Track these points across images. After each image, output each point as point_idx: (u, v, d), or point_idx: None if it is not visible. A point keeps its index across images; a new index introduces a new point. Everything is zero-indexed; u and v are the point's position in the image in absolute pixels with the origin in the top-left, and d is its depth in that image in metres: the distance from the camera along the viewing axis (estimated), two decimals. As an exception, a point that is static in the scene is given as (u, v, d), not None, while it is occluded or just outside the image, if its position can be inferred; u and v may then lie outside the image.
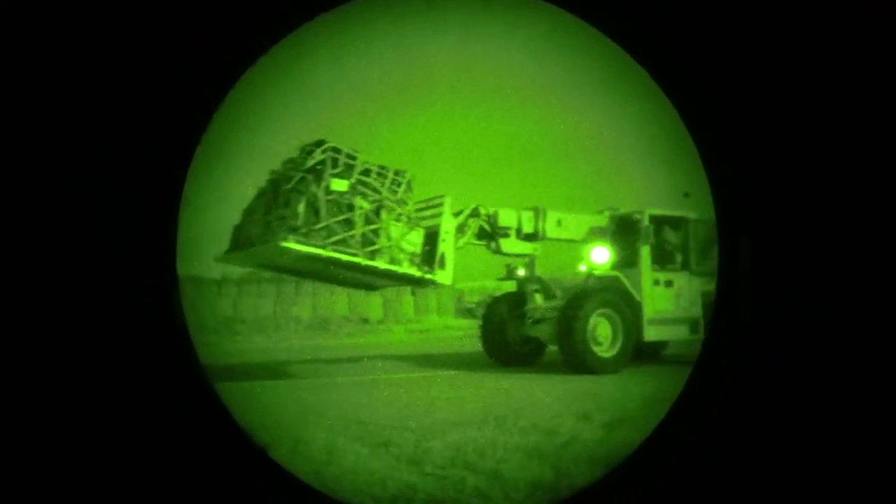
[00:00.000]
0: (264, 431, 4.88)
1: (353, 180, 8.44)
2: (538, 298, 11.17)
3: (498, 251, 10.53)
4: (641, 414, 5.59)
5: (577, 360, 9.69)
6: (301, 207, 7.97)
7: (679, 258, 11.03)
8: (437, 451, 4.65)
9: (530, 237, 10.71)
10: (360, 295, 27.30)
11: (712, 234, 9.95)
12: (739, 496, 2.55)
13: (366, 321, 26.07)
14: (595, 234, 11.10)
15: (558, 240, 11.00)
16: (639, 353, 10.45)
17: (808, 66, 2.52)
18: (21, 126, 2.45)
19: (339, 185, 8.30)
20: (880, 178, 2.49)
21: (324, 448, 4.76)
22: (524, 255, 11.01)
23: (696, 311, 10.59)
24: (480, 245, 10.48)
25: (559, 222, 10.84)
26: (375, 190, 8.64)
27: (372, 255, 8.44)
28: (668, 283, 10.69)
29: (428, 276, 9.04)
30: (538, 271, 11.48)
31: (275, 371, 11.33)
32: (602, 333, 9.88)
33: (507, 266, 11.61)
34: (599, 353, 9.80)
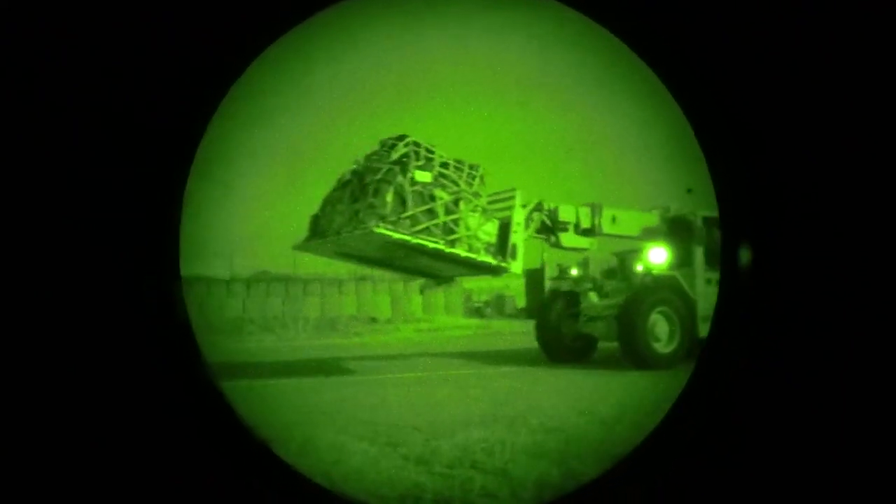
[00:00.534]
0: (272, 431, 4.90)
1: (434, 172, 9.02)
2: (593, 297, 11.65)
3: (557, 245, 11.02)
4: (650, 412, 5.58)
5: (637, 356, 10.08)
6: (389, 197, 8.48)
7: None
8: (445, 450, 4.65)
9: (587, 232, 11.10)
10: (368, 294, 27.37)
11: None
12: (741, 494, 2.54)
13: (374, 320, 26.12)
14: (648, 233, 11.51)
15: (613, 236, 11.40)
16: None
17: (815, 64, 2.50)
18: (20, 126, 2.46)
19: (423, 176, 8.86)
20: (887, 179, 2.47)
21: (332, 448, 4.78)
22: (581, 249, 11.37)
23: None
24: (540, 238, 10.94)
25: (614, 219, 11.22)
26: (454, 182, 9.22)
27: (452, 244, 8.98)
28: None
29: (503, 264, 9.55)
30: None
31: (285, 370, 11.38)
32: (660, 330, 10.25)
33: (559, 265, 12.29)
34: (658, 349, 10.18)
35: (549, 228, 10.81)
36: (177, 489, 2.55)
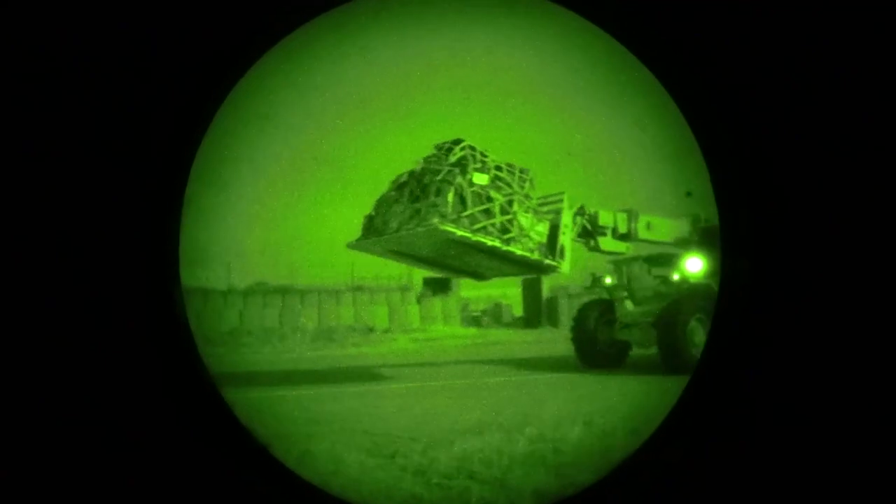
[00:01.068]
0: (271, 441, 4.89)
1: (490, 175, 9.59)
2: (628, 304, 12.00)
3: (596, 248, 11.50)
4: (648, 421, 5.58)
5: (676, 361, 10.34)
6: (451, 197, 9.02)
7: None
8: (442, 461, 4.65)
9: (624, 237, 11.58)
10: (365, 304, 27.31)
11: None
12: (739, 497, 2.55)
13: (371, 330, 26.05)
14: (681, 242, 11.77)
15: (648, 241, 11.82)
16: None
17: (814, 66, 2.53)
18: (19, 126, 2.47)
19: (480, 178, 9.46)
20: (887, 181, 2.50)
21: (329, 458, 4.77)
22: (617, 254, 11.83)
23: None
24: (580, 242, 11.35)
25: (649, 225, 11.69)
26: (508, 184, 9.77)
27: (508, 243, 9.49)
28: None
29: (553, 262, 10.15)
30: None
31: (283, 381, 11.35)
32: (698, 337, 10.54)
33: (592, 275, 12.64)
34: (696, 355, 10.39)
35: (589, 232, 11.25)
36: (176, 492, 2.55)
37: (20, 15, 2.47)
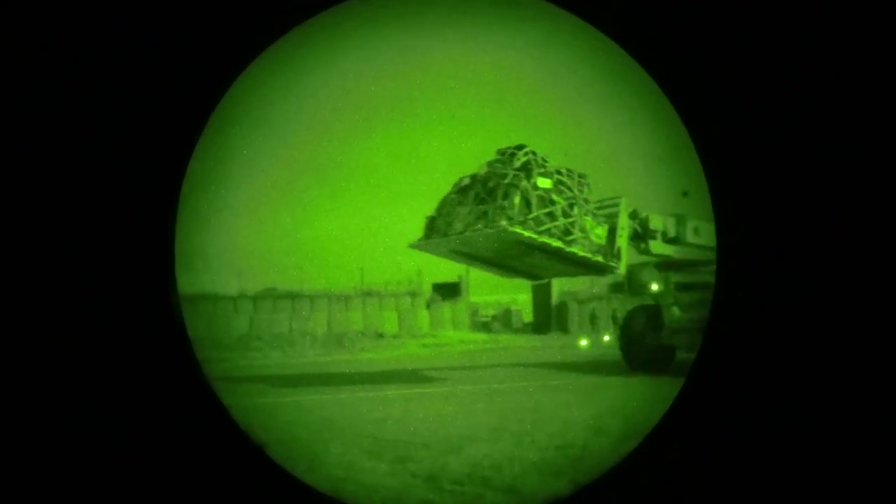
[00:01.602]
0: (281, 447, 4.89)
1: (553, 179, 10.05)
2: (676, 310, 12.17)
3: (647, 251, 11.85)
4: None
5: None
6: (517, 200, 9.43)
7: None
8: (453, 466, 4.63)
9: (672, 241, 11.90)
10: (374, 309, 27.33)
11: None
12: (737, 496, 2.53)
13: (381, 336, 26.04)
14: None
15: (695, 245, 12.00)
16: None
17: (811, 67, 2.52)
18: (17, 126, 2.48)
19: (544, 182, 9.90)
20: (885, 180, 2.48)
21: (340, 464, 4.77)
22: (666, 256, 12.12)
23: None
24: (631, 245, 11.62)
25: (696, 230, 11.90)
26: (568, 188, 10.21)
27: (570, 244, 9.97)
28: None
29: (612, 264, 10.61)
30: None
31: (294, 387, 11.35)
32: None
33: (637, 282, 13.03)
34: None
35: (640, 236, 11.64)
36: (174, 492, 2.54)
37: (20, 15, 2.48)
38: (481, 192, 9.86)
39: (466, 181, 10.31)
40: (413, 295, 28.49)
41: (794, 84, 2.53)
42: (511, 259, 10.70)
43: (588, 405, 7.92)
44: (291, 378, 13.11)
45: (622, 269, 10.98)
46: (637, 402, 8.17)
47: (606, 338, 13.50)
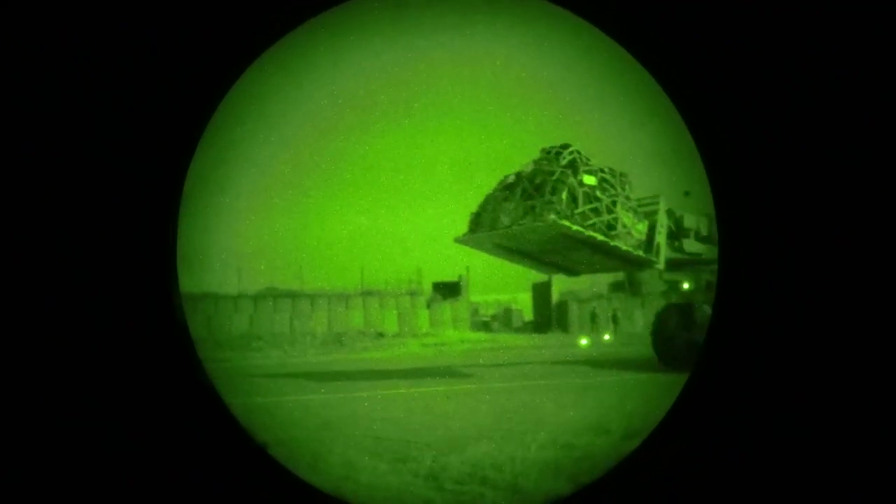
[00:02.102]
0: (281, 447, 4.89)
1: (598, 176, 10.56)
2: (707, 309, 12.30)
3: (680, 249, 12.28)
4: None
5: None
6: (565, 195, 9.95)
7: None
8: (454, 466, 4.63)
9: (705, 240, 12.34)
10: (374, 309, 27.34)
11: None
12: (736, 496, 2.53)
13: (381, 335, 26.05)
14: None
15: None
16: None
17: (812, 65, 2.51)
18: (17, 126, 2.48)
19: (590, 179, 10.44)
20: (885, 180, 2.47)
21: (341, 464, 4.76)
22: (697, 255, 12.52)
23: None
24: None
25: None
26: (612, 185, 10.76)
27: (613, 239, 10.44)
28: None
29: (652, 259, 11.19)
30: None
31: (294, 386, 11.35)
32: None
33: (669, 282, 13.93)
34: None
35: (674, 234, 12.10)
36: (174, 492, 2.54)
37: (20, 15, 2.48)
38: (528, 188, 10.27)
39: (511, 178, 10.73)
40: (413, 294, 28.49)
41: (797, 83, 2.53)
42: (553, 253, 11.18)
43: (588, 406, 7.92)
44: (293, 377, 13.10)
45: (661, 264, 11.40)
46: (641, 403, 8.17)
47: (607, 337, 13.72)
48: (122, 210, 2.55)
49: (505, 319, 32.50)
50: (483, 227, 10.77)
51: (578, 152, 10.64)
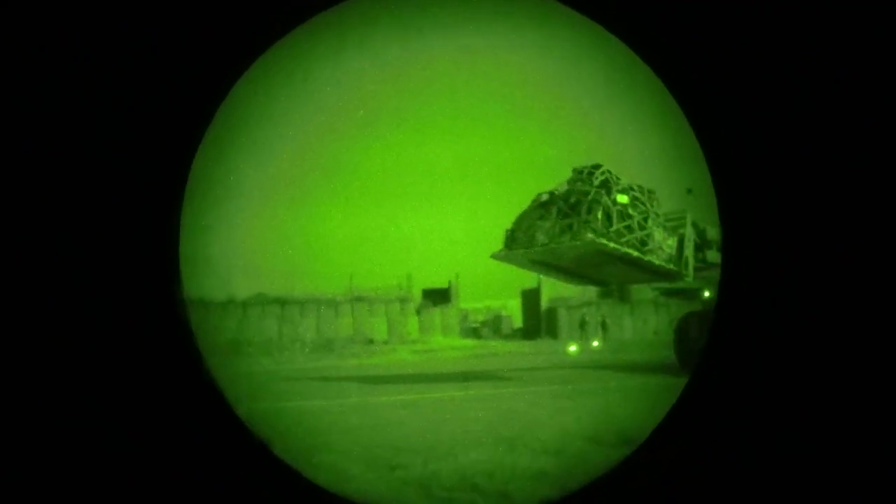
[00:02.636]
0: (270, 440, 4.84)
1: (630, 195, 11.17)
2: None
3: (704, 260, 12.74)
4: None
5: None
6: (600, 214, 10.60)
7: None
8: (445, 473, 4.61)
9: None
10: (364, 315, 27.27)
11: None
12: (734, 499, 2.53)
13: (371, 342, 25.99)
14: None
15: None
16: None
17: (815, 66, 2.53)
18: (17, 127, 2.46)
19: (623, 198, 11.06)
20: (887, 180, 2.49)
21: (330, 472, 4.73)
22: (720, 265, 13.02)
23: None
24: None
25: None
26: (642, 202, 11.41)
27: (646, 254, 11.06)
28: None
29: (683, 271, 11.84)
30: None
31: (283, 394, 11.28)
32: None
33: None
34: None
35: (699, 246, 12.62)
36: (175, 492, 2.52)
37: (20, 15, 2.47)
38: (563, 207, 10.94)
39: (545, 197, 11.38)
40: (403, 301, 28.46)
41: (800, 83, 2.54)
42: (588, 268, 11.80)
43: (580, 413, 7.92)
44: (281, 385, 13.02)
45: (690, 277, 12.03)
46: (632, 411, 8.18)
47: (595, 343, 13.97)
48: (123, 210, 2.54)
49: (495, 326, 32.51)
50: (519, 244, 11.36)
51: (609, 171, 11.29)
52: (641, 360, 13.35)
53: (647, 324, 28.32)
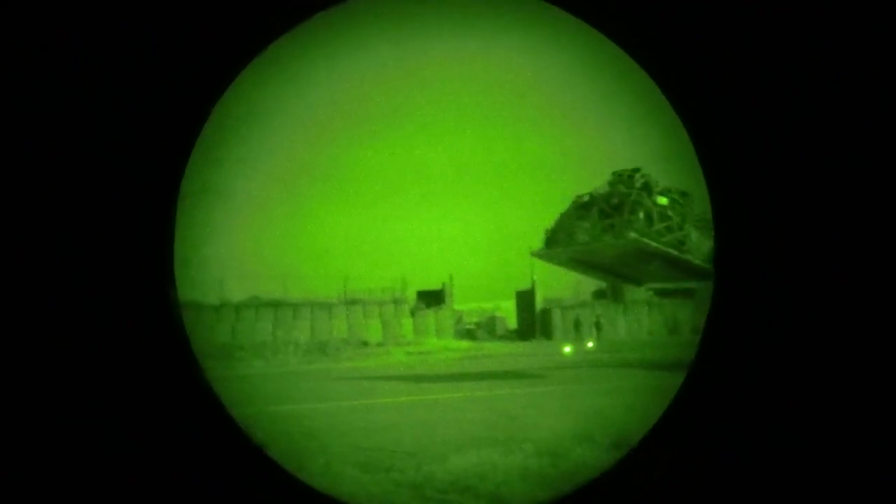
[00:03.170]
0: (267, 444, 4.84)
1: (669, 197, 11.96)
2: None
3: None
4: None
5: None
6: (642, 215, 11.50)
7: None
8: (438, 475, 4.62)
9: None
10: (358, 318, 27.23)
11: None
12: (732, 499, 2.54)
13: (365, 344, 25.95)
14: None
15: None
16: None
17: (810, 67, 2.55)
18: (17, 126, 2.46)
19: (663, 200, 12.03)
20: (884, 182, 2.51)
21: (324, 474, 4.73)
22: None
23: None
24: None
25: None
26: (679, 204, 12.15)
27: (684, 254, 11.69)
28: None
29: None
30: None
31: (276, 397, 11.26)
32: None
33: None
34: None
35: None
36: (173, 494, 2.52)
37: (20, 15, 2.47)
38: (605, 207, 11.70)
39: (585, 198, 12.12)
40: (397, 302, 28.42)
41: (796, 86, 2.55)
42: (626, 266, 12.44)
43: (573, 415, 7.93)
44: (275, 388, 13.01)
45: None
46: (626, 413, 8.20)
47: (590, 344, 14.19)
48: (117, 211, 2.54)
49: (489, 327, 32.50)
50: (559, 243, 12.12)
51: (649, 175, 11.95)
52: (636, 360, 13.27)
53: (640, 324, 28.34)
